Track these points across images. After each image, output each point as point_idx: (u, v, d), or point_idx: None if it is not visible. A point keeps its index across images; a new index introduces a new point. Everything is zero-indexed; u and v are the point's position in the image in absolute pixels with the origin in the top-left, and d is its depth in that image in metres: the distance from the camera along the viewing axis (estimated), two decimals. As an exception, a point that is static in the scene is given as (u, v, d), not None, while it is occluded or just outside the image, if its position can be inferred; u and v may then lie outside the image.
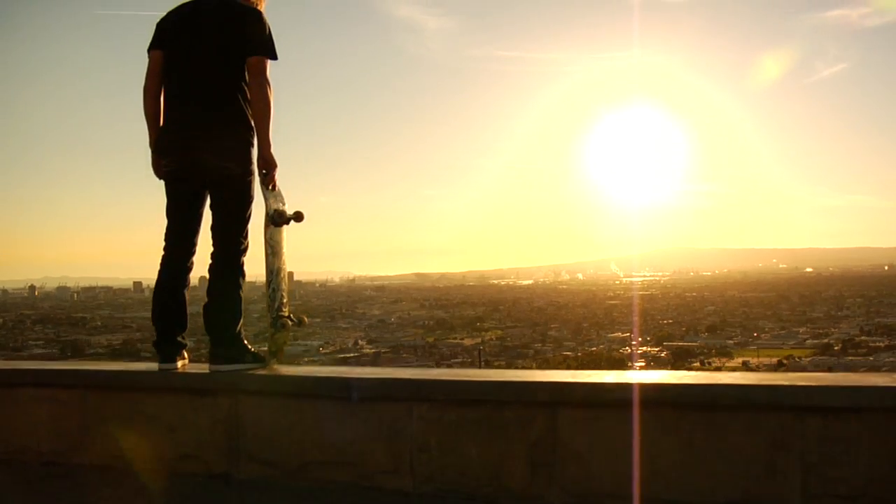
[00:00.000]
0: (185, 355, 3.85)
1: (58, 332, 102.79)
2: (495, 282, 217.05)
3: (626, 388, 2.89)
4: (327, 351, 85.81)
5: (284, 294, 3.81)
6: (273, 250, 3.81)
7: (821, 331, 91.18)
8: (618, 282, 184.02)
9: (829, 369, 65.14)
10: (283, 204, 3.86)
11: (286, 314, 3.79)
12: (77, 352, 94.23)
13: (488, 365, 69.23)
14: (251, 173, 3.78)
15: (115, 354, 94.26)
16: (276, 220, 3.80)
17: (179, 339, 3.82)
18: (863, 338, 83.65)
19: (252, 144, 3.77)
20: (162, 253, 3.89)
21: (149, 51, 3.88)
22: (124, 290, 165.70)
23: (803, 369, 67.20)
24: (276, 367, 3.75)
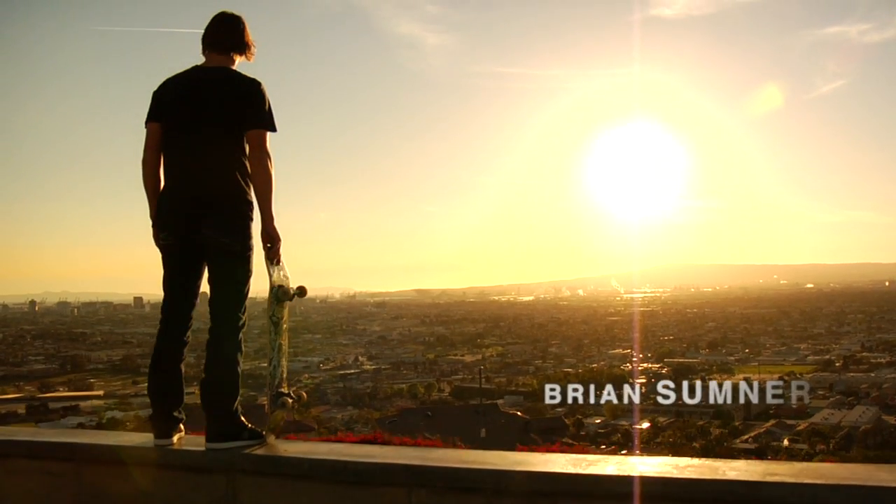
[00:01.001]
0: (182, 428, 3.79)
1: (58, 348, 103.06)
2: (496, 298, 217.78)
3: (627, 481, 2.83)
4: (328, 367, 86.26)
5: (285, 370, 3.78)
6: (275, 327, 3.77)
7: (822, 347, 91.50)
8: (618, 298, 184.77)
9: (831, 386, 65.03)
10: (287, 278, 3.83)
11: (286, 391, 3.75)
12: (77, 367, 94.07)
13: (489, 381, 69.25)
14: (250, 248, 3.73)
15: (115, 370, 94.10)
16: (280, 296, 3.77)
17: (175, 413, 3.76)
18: (864, 354, 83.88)
19: (251, 219, 3.72)
20: (159, 326, 3.85)
21: (146, 123, 3.83)
22: (125, 306, 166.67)
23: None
24: (274, 443, 3.68)
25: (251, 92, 3.71)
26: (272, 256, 3.74)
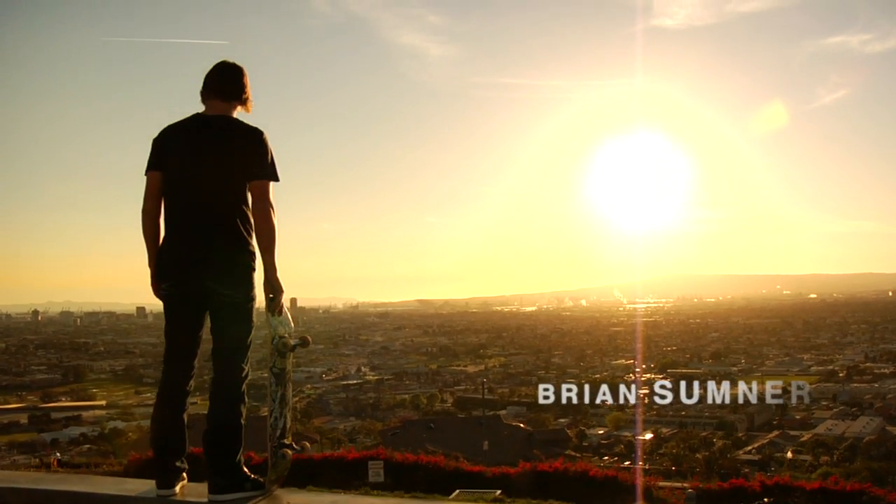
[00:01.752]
0: (185, 477, 3.74)
1: (60, 358, 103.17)
2: (499, 308, 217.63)
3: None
4: (330, 377, 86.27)
5: (288, 420, 3.75)
6: (277, 379, 3.74)
7: (825, 357, 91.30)
8: (621, 308, 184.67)
9: (834, 397, 64.84)
10: (290, 328, 3.82)
11: (288, 442, 3.73)
12: (79, 377, 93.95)
13: (491, 392, 69.10)
14: (252, 299, 3.69)
15: (117, 380, 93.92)
16: (281, 349, 3.75)
17: (178, 463, 3.71)
18: (867, 364, 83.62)
19: (254, 269, 3.68)
20: (161, 376, 3.81)
21: (146, 171, 3.77)
22: (127, 315, 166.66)
23: (808, 396, 66.68)
24: (277, 494, 3.64)
25: (254, 141, 3.67)
26: (274, 308, 3.71)
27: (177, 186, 3.66)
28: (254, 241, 3.64)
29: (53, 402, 75.32)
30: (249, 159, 3.61)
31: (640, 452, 42.53)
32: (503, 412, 54.51)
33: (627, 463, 36.28)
